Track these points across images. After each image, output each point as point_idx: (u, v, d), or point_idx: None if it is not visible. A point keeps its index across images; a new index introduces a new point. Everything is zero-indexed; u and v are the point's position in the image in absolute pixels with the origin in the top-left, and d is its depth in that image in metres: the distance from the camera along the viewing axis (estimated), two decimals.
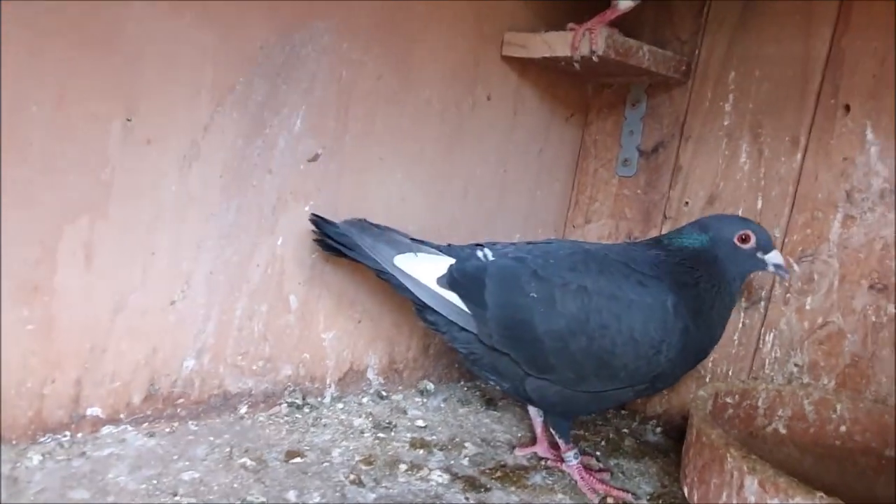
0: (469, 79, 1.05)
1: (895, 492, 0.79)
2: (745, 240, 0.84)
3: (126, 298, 0.80)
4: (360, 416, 0.99)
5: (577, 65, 0.99)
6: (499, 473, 0.88)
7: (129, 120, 0.76)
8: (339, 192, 0.95)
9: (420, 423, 1.00)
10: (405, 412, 1.03)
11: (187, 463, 0.79)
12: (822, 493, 0.57)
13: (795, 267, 0.96)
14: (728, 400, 0.88)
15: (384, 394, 1.07)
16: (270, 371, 0.95)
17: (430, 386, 1.13)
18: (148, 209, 0.80)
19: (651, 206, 1.14)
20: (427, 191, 1.05)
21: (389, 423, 0.98)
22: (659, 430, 1.10)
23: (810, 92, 0.96)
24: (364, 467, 0.84)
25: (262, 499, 0.74)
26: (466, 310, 0.84)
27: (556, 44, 0.99)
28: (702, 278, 0.83)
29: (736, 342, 1.04)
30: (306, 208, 0.92)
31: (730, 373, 1.06)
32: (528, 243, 0.91)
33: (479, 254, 0.88)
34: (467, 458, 0.91)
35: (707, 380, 1.07)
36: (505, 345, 0.84)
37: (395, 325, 1.07)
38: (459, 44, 1.02)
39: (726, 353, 1.06)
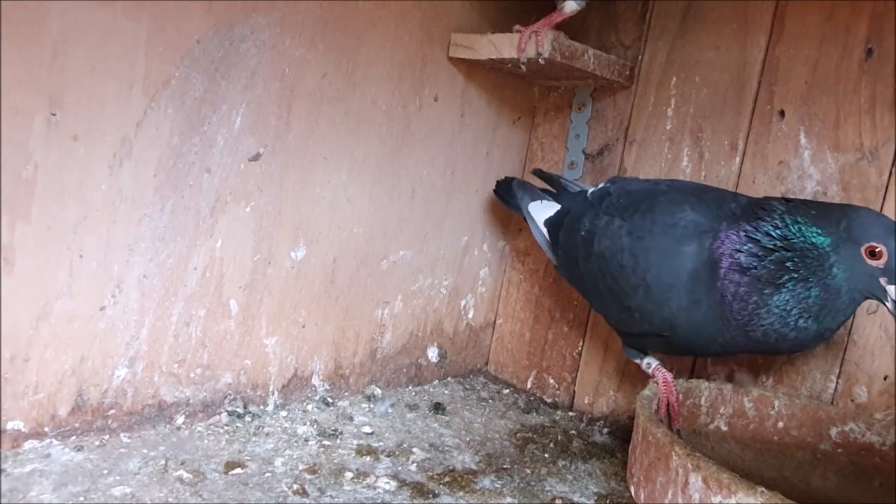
0: (416, 79, 1.03)
1: (830, 484, 0.81)
2: (874, 255, 0.68)
3: (51, 304, 0.76)
4: (304, 424, 0.96)
5: (523, 67, 0.99)
6: (447, 479, 0.87)
7: (53, 114, 0.72)
8: (283, 192, 0.92)
9: (367, 429, 0.98)
10: (352, 419, 1.01)
11: (118, 477, 0.75)
12: (763, 488, 0.58)
13: None
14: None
15: (330, 400, 1.05)
16: (209, 379, 0.91)
17: (378, 391, 1.11)
18: (75, 209, 0.75)
19: None
20: (374, 192, 1.03)
21: (335, 430, 0.95)
22: (606, 430, 1.11)
23: (747, 97, 0.99)
24: (308, 476, 0.82)
25: None
26: (549, 248, 0.98)
27: (503, 45, 0.98)
28: (788, 271, 0.71)
29: None
30: (247, 209, 0.89)
31: (674, 371, 1.07)
32: (647, 181, 0.91)
33: (589, 192, 0.94)
34: (415, 464, 0.90)
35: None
36: (566, 276, 0.97)
37: (341, 329, 1.05)
38: (406, 43, 1.01)
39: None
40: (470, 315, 1.27)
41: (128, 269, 0.81)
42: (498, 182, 1.15)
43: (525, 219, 1.04)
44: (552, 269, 1.22)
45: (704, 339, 0.78)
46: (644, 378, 1.09)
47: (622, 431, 1.09)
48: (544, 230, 0.99)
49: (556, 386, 1.22)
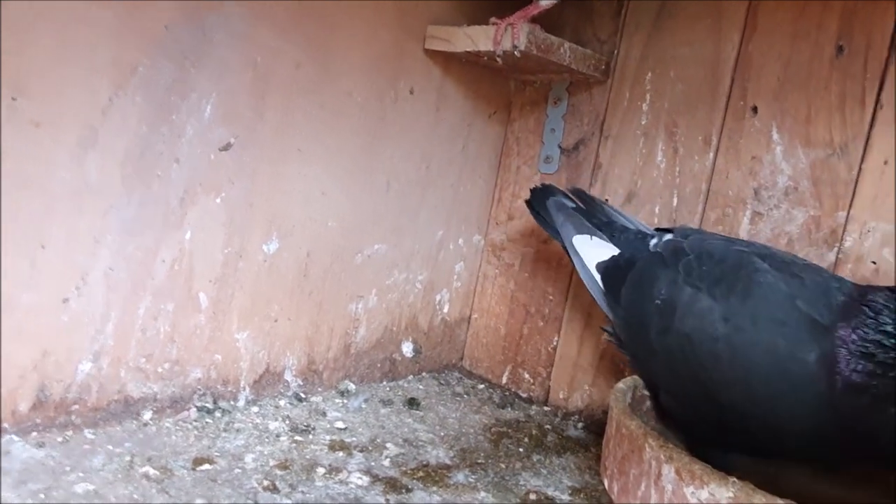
0: (392, 71, 1.02)
1: (800, 473, 0.82)
2: None
3: (11, 296, 0.73)
4: (276, 420, 0.94)
5: (499, 59, 0.98)
6: (421, 473, 0.86)
7: (14, 99, 0.69)
8: (255, 183, 0.90)
9: (340, 424, 0.97)
10: (324, 414, 1.00)
11: (81, 474, 0.73)
12: (734, 479, 0.58)
13: None
14: (646, 392, 0.89)
15: (303, 396, 1.03)
16: (178, 374, 0.89)
17: (352, 386, 1.09)
18: (37, 199, 0.73)
19: None
20: (348, 184, 1.02)
21: (308, 425, 0.94)
22: (581, 425, 1.11)
23: (721, 93, 1.00)
24: (279, 472, 0.80)
25: None
26: (605, 300, 0.86)
27: (479, 38, 0.98)
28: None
29: None
30: (218, 201, 0.87)
31: None
32: (725, 239, 0.82)
33: (652, 242, 0.83)
34: (388, 459, 0.89)
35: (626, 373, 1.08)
36: (628, 344, 0.83)
37: (314, 324, 1.04)
38: (381, 35, 1.00)
39: None
40: (445, 310, 1.26)
41: (93, 261, 0.78)
42: (532, 190, 1.02)
43: (564, 248, 0.93)
44: (527, 263, 1.22)
45: (813, 450, 0.67)
46: (618, 372, 1.10)
47: (597, 426, 1.09)
48: (597, 276, 0.86)
49: (532, 381, 1.22)
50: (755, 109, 0.97)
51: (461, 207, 1.22)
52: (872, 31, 0.87)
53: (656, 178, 1.06)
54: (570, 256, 0.92)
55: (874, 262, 0.86)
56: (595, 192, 1.13)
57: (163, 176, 0.82)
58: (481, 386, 1.25)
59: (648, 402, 0.89)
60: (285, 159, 0.93)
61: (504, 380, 1.25)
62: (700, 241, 0.79)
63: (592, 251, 0.88)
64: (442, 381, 1.24)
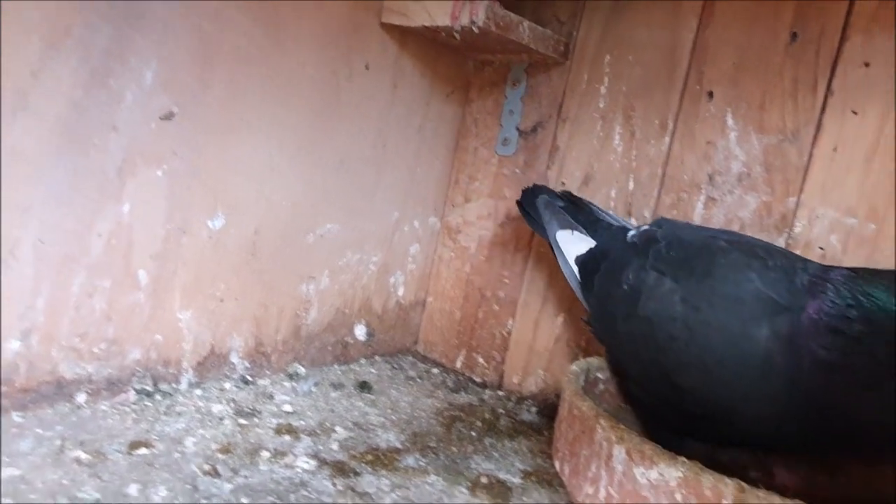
0: (346, 45, 0.99)
1: (752, 456, 0.83)
2: None
3: None
4: (220, 403, 0.91)
5: (456, 35, 0.96)
6: (370, 457, 0.84)
7: None
8: (200, 155, 0.86)
9: (288, 408, 0.94)
10: (272, 398, 0.96)
11: (7, 459, 0.68)
12: (683, 458, 0.58)
13: None
14: (599, 375, 0.89)
15: (250, 379, 1.00)
16: (115, 355, 0.85)
17: (301, 370, 1.06)
18: None
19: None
20: (299, 160, 0.98)
21: (254, 409, 0.91)
22: (535, 409, 1.11)
23: (678, 78, 1.00)
24: (221, 456, 0.77)
25: (97, 495, 0.65)
26: (580, 291, 0.87)
27: (437, 12, 0.95)
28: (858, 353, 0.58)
29: None
30: (159, 173, 0.83)
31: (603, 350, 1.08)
32: (700, 228, 0.82)
33: (630, 234, 0.83)
34: (337, 443, 0.87)
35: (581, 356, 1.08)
36: (600, 332, 0.84)
37: (263, 305, 1.00)
38: (336, 6, 0.96)
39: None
40: (400, 293, 1.24)
41: (22, 232, 0.73)
42: (524, 191, 1.03)
43: (550, 245, 0.94)
44: (483, 247, 1.21)
45: (780, 435, 0.65)
46: (573, 357, 1.10)
47: (550, 410, 1.09)
48: (575, 269, 0.87)
49: (486, 365, 1.21)
50: (711, 94, 0.97)
51: (417, 188, 1.20)
52: (826, 19, 0.88)
53: (613, 162, 1.06)
54: (553, 252, 0.93)
55: (822, 248, 0.88)
56: (552, 175, 1.12)
57: (99, 144, 0.77)
58: (435, 370, 1.23)
59: (601, 385, 0.89)
60: (232, 132, 0.89)
61: (458, 364, 1.24)
62: (673, 230, 0.79)
63: (573, 245, 0.89)
64: (395, 366, 1.22)
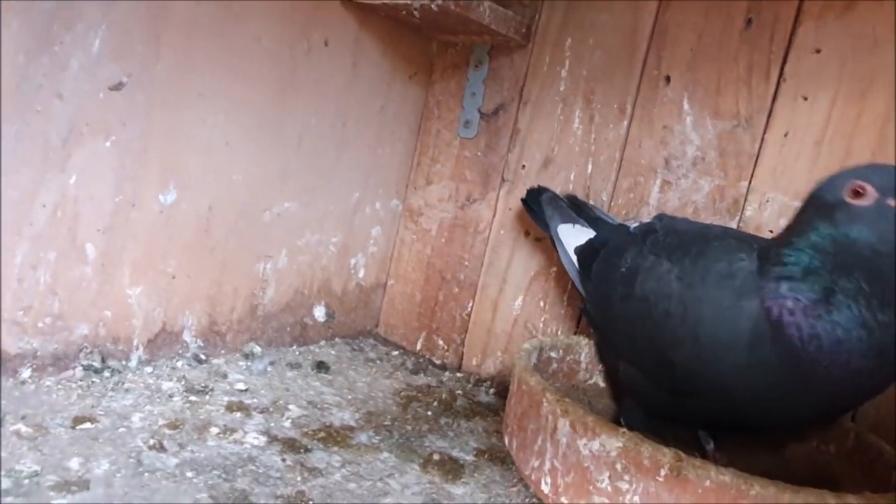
0: (304, 20, 0.98)
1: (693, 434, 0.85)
2: (859, 194, 0.62)
3: None
4: (171, 380, 0.89)
5: (416, 13, 0.96)
6: (322, 434, 0.84)
7: None
8: (150, 127, 0.84)
9: (241, 386, 0.93)
10: (225, 376, 0.95)
11: None
12: (624, 429, 0.59)
13: None
14: (553, 354, 0.90)
15: (203, 357, 0.98)
16: (61, 330, 0.83)
17: (257, 349, 1.05)
18: None
19: (490, 169, 1.15)
20: (255, 136, 0.97)
21: (205, 386, 0.90)
22: (492, 391, 1.11)
23: (637, 62, 1.01)
24: (168, 432, 0.76)
25: (36, 467, 0.64)
26: (578, 278, 0.90)
27: None
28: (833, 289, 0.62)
29: (564, 302, 1.07)
30: (107, 144, 0.81)
31: (559, 331, 1.09)
32: (696, 223, 0.86)
33: (632, 227, 0.86)
34: (290, 421, 0.86)
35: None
36: (595, 317, 0.87)
37: (217, 283, 0.99)
38: None
39: (557, 313, 1.09)
40: (360, 274, 1.23)
41: None
42: (528, 190, 1.05)
43: (552, 240, 0.96)
44: (444, 229, 1.21)
45: (768, 405, 0.67)
46: (530, 339, 1.10)
47: (507, 391, 1.09)
48: (574, 258, 0.91)
49: (446, 347, 1.21)
50: (668, 79, 0.98)
51: (379, 170, 1.19)
52: (779, 5, 0.89)
53: (573, 145, 1.06)
54: (555, 246, 0.96)
55: (771, 231, 0.89)
56: (513, 158, 1.12)
57: (43, 112, 0.75)
58: (395, 352, 1.23)
59: (555, 365, 0.90)
60: (185, 104, 0.87)
61: (418, 346, 1.24)
62: (671, 222, 0.84)
63: (574, 237, 0.92)
64: (355, 347, 1.21)
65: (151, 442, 0.73)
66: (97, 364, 0.86)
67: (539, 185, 1.05)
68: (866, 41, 0.83)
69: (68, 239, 0.80)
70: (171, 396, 0.85)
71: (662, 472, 0.55)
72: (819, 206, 0.65)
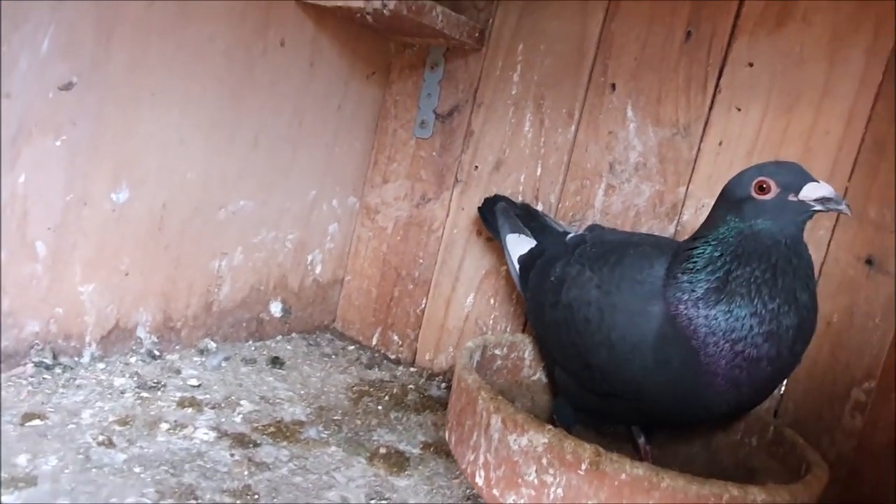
0: (260, 20, 0.99)
1: (627, 428, 0.89)
2: (763, 189, 0.67)
3: None
4: (123, 377, 0.91)
5: (369, 17, 0.97)
6: (272, 429, 0.86)
7: None
8: (101, 126, 0.85)
9: (194, 382, 0.95)
10: (179, 372, 0.97)
11: None
12: (550, 426, 0.62)
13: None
14: (497, 352, 0.93)
15: (157, 353, 1.00)
16: (11, 327, 0.83)
17: (212, 345, 1.07)
18: None
19: (445, 169, 1.17)
20: (211, 136, 0.98)
21: (158, 382, 0.91)
22: (444, 385, 1.15)
23: (584, 69, 1.04)
24: (118, 428, 0.78)
25: None
26: (520, 286, 0.94)
27: None
28: (733, 275, 0.66)
29: (514, 301, 1.11)
30: (57, 143, 0.81)
31: (508, 328, 1.12)
32: (623, 232, 0.91)
33: (568, 237, 0.91)
34: (241, 416, 0.88)
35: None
36: (534, 324, 0.91)
37: (171, 279, 1.00)
38: None
39: (506, 310, 1.13)
40: (317, 271, 1.25)
41: None
42: (485, 200, 1.08)
43: (502, 249, 0.99)
44: (400, 227, 1.23)
45: (680, 402, 0.70)
46: (480, 335, 1.14)
47: None
48: (517, 266, 0.94)
49: (400, 343, 1.24)
50: (614, 87, 1.02)
51: (336, 168, 1.21)
52: (717, 19, 0.93)
53: (523, 148, 1.10)
54: (504, 254, 0.99)
55: None
56: (466, 159, 1.15)
57: None
58: (351, 347, 1.26)
59: (499, 362, 0.94)
60: (137, 103, 0.88)
61: (374, 341, 1.27)
62: (600, 234, 0.88)
63: (518, 247, 0.96)
64: (311, 342, 1.24)
65: (101, 438, 0.74)
66: (48, 361, 0.87)
67: (495, 195, 1.09)
68: (794, 58, 0.88)
69: (18, 237, 0.81)
70: (122, 392, 0.86)
71: (583, 466, 0.59)
72: (729, 201, 0.69)
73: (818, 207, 0.65)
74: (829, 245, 0.87)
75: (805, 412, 0.88)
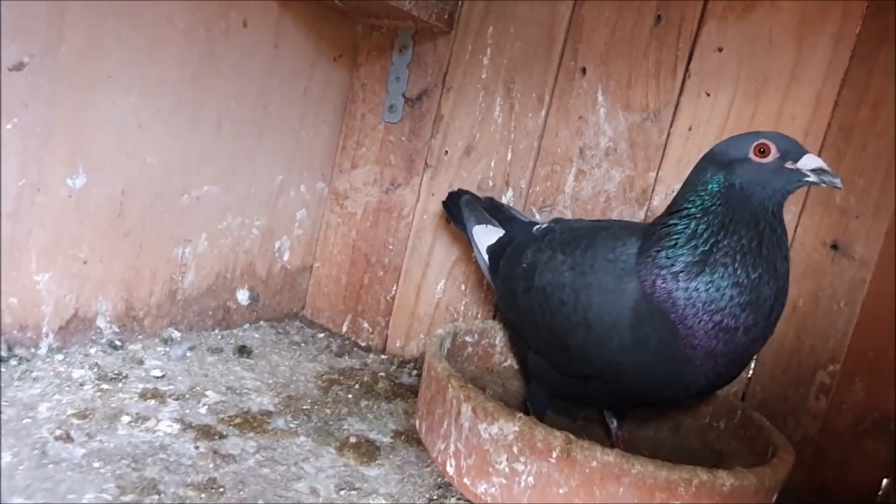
0: (220, 1, 0.95)
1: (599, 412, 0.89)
2: (763, 152, 0.67)
3: None
4: (83, 368, 0.88)
5: None
6: (239, 420, 0.84)
7: None
8: (55, 109, 0.81)
9: (157, 373, 0.92)
10: (142, 362, 0.94)
11: None
12: (521, 414, 0.62)
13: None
14: (468, 339, 0.93)
15: (119, 343, 0.97)
16: None
17: (177, 334, 1.04)
18: None
19: (414, 154, 1.16)
20: (172, 119, 0.95)
21: (119, 374, 0.89)
22: (415, 372, 1.14)
23: (555, 53, 1.03)
24: (77, 422, 0.75)
25: None
26: (489, 275, 0.94)
27: None
28: (718, 240, 0.66)
29: (484, 287, 1.10)
30: (8, 126, 0.78)
31: (479, 314, 1.12)
32: (592, 220, 0.89)
33: (535, 228, 0.90)
34: (206, 407, 0.86)
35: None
36: (505, 311, 0.91)
37: (133, 267, 0.97)
38: None
39: (477, 297, 1.12)
40: (285, 258, 1.23)
41: None
42: (449, 194, 1.07)
43: (469, 241, 0.99)
44: (369, 213, 1.22)
45: (659, 379, 0.70)
46: (451, 322, 1.13)
47: None
48: (486, 257, 0.94)
49: (371, 330, 1.22)
50: (584, 71, 1.01)
51: (303, 153, 1.18)
52: (686, 3, 0.93)
53: (493, 133, 1.08)
54: (472, 247, 0.99)
55: None
56: (436, 144, 1.13)
57: None
58: (321, 335, 1.24)
59: (469, 349, 0.93)
60: (93, 85, 0.84)
61: (344, 329, 1.25)
62: (568, 223, 0.88)
63: (486, 237, 0.96)
64: (280, 330, 1.22)
65: (58, 432, 0.72)
66: (3, 353, 0.84)
67: (459, 189, 1.07)
68: (763, 43, 0.88)
69: None
70: (81, 385, 0.84)
71: (554, 454, 0.59)
72: (719, 161, 0.68)
73: (812, 178, 0.65)
74: (795, 230, 0.88)
75: (771, 395, 0.89)
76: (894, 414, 0.82)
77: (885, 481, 0.83)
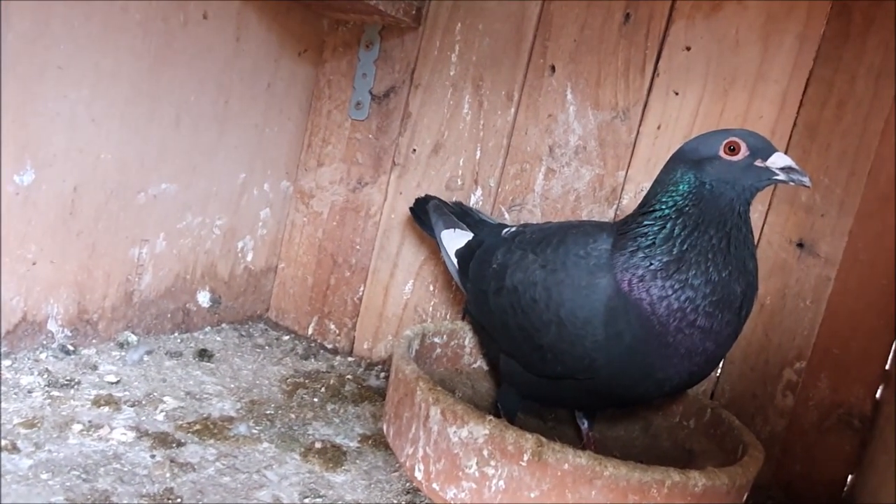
0: None
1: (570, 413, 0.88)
2: (733, 150, 0.67)
3: None
4: (32, 374, 0.83)
5: None
6: (198, 427, 0.81)
7: None
8: (1, 101, 0.77)
9: (111, 378, 0.88)
10: (95, 368, 0.90)
11: None
12: (491, 417, 0.60)
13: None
14: (436, 340, 0.91)
15: (71, 348, 0.93)
16: None
17: (133, 338, 1.00)
18: None
19: (382, 152, 1.13)
20: (127, 114, 0.91)
21: (71, 380, 0.85)
22: (383, 375, 1.12)
23: (524, 50, 1.02)
24: (24, 431, 0.71)
25: None
26: (459, 278, 0.92)
27: None
28: (686, 236, 0.66)
29: (453, 287, 1.09)
30: None
31: (448, 315, 1.10)
32: (560, 222, 0.88)
33: (504, 231, 0.89)
34: (164, 414, 0.83)
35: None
36: (475, 314, 0.89)
37: (86, 268, 0.93)
38: None
39: (446, 297, 1.10)
40: (249, 258, 1.19)
41: None
42: (416, 200, 1.06)
43: (438, 246, 0.98)
44: (336, 212, 1.19)
45: (634, 376, 0.69)
46: (420, 323, 1.11)
47: None
48: (455, 260, 0.93)
49: (337, 332, 1.20)
50: (553, 69, 1.00)
51: (267, 150, 1.15)
52: (654, 3, 0.92)
53: (462, 131, 1.07)
54: (440, 251, 0.98)
55: None
56: (404, 141, 1.11)
57: None
58: (286, 337, 1.21)
59: (438, 350, 0.91)
60: (41, 77, 0.80)
61: (310, 331, 1.22)
62: (537, 226, 0.88)
63: (454, 241, 0.95)
64: (244, 333, 1.18)
65: (3, 443, 0.68)
66: None
67: (426, 195, 1.06)
68: (730, 42, 0.88)
69: None
70: (30, 392, 0.79)
71: (525, 457, 0.57)
72: (688, 160, 0.69)
73: (781, 177, 0.66)
74: (762, 228, 0.88)
75: (739, 392, 0.89)
76: (858, 410, 0.83)
77: (850, 477, 0.84)
